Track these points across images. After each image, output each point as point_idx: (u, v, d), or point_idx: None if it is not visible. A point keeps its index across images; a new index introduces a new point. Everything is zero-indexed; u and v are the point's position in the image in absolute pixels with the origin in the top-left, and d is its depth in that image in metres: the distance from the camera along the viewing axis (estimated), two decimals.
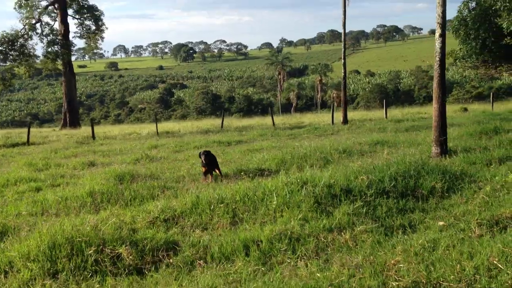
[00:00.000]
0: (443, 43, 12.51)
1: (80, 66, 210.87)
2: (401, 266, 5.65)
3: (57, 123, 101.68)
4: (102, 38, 52.63)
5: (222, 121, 32.00)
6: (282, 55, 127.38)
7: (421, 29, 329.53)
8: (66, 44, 48.09)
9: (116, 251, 6.71)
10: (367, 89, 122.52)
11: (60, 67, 50.02)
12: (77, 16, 50.96)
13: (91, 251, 6.64)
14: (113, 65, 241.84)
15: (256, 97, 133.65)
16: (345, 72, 30.26)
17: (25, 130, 40.42)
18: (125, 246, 6.72)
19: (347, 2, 28.61)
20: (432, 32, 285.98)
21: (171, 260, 6.64)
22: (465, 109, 37.95)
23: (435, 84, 12.54)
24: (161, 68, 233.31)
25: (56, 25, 49.10)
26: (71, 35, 49.95)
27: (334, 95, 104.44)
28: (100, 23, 51.70)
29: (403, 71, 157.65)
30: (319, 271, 5.82)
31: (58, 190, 11.48)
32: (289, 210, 7.94)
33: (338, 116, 33.49)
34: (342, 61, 29.97)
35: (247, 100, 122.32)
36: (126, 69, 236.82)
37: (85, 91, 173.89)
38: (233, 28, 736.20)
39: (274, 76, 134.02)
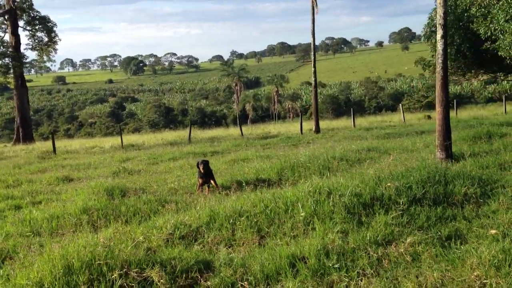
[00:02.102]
0: (445, 44, 12.18)
1: (26, 81, 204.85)
2: (486, 282, 5.04)
3: (3, 139, 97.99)
4: (55, 50, 50.65)
5: (190, 132, 31.05)
6: (238, 66, 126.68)
7: (368, 41, 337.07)
8: (18, 56, 45.97)
9: (144, 275, 5.87)
10: (319, 100, 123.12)
11: (11, 80, 47.95)
12: (28, 28, 48.87)
13: (115, 275, 5.77)
14: (61, 79, 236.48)
15: (209, 109, 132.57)
16: (315, 81, 29.82)
17: None
18: (156, 269, 5.88)
19: (316, 10, 28.29)
20: (380, 44, 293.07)
21: (208, 283, 5.84)
22: (429, 117, 38.24)
23: (438, 87, 12.13)
24: (110, 81, 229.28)
25: (7, 37, 47.04)
26: (22, 47, 47.93)
27: (289, 106, 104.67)
28: (53, 34, 49.68)
29: (353, 82, 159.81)
30: None
31: (42, 208, 10.44)
32: (320, 222, 7.23)
33: (305, 125, 33.01)
34: (313, 69, 29.51)
35: (201, 113, 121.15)
36: (74, 83, 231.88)
37: (32, 105, 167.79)
38: (182, 41, 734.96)
39: (227, 88, 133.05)
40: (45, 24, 49.46)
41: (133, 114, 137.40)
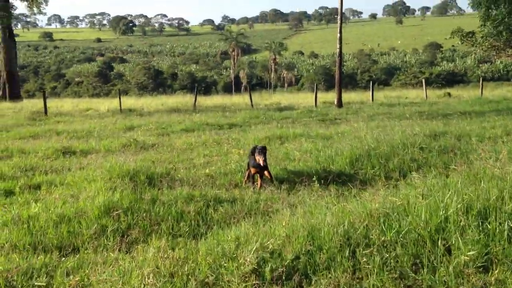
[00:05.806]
0: None
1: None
2: None
3: None
4: (46, 1, 46.94)
5: (195, 99, 28.11)
6: (236, 31, 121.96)
7: (361, 12, 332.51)
8: (6, 6, 42.34)
9: None
10: (311, 71, 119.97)
11: None
12: None
13: None
14: (48, 35, 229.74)
15: (199, 74, 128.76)
16: (340, 48, 26.56)
17: None
18: None
19: None
20: (373, 16, 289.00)
21: None
22: (449, 94, 35.68)
23: None
24: (99, 40, 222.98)
25: None
26: None
27: (284, 75, 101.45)
28: None
29: (346, 54, 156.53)
30: None
31: (43, 197, 7.67)
32: (507, 270, 4.52)
33: (307, 97, 30.10)
34: (338, 35, 26.29)
35: (191, 78, 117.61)
36: (61, 40, 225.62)
37: (18, 61, 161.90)
38: (173, 3, 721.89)
39: (222, 54, 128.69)
40: None
41: (121, 75, 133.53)
